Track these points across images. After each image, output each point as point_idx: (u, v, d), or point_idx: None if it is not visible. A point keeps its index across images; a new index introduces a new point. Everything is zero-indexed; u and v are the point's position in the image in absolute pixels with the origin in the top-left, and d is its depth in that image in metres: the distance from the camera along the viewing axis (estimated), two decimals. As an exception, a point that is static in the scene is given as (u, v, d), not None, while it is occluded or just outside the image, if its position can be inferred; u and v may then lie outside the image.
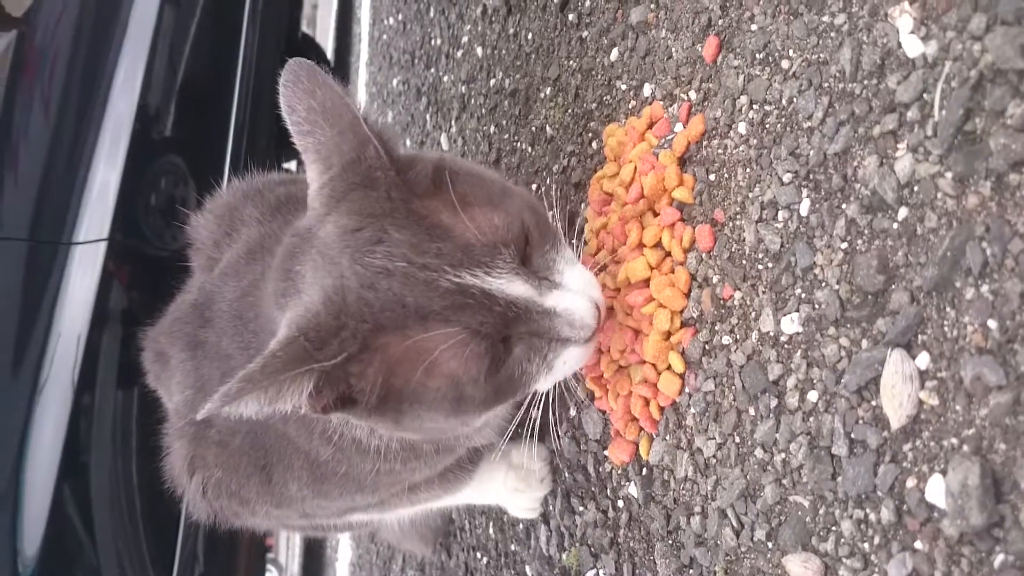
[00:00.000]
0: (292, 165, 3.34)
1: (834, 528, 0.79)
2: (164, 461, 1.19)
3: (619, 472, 1.16)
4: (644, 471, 1.10)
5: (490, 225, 0.87)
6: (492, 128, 1.83)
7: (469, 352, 0.84)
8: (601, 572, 1.19)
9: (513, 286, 0.86)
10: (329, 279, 0.83)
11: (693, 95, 1.08)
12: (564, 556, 1.30)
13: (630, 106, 1.24)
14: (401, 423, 0.89)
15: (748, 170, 0.95)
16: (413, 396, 0.86)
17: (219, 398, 0.73)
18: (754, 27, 0.97)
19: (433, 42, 2.45)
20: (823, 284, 0.83)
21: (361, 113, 0.86)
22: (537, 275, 0.89)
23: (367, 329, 0.82)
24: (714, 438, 0.96)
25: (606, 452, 1.17)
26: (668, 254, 1.07)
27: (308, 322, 0.81)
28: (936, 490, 0.68)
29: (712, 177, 1.01)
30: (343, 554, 3.29)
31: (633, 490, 1.11)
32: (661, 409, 1.06)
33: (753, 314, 0.92)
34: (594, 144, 1.34)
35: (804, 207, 0.86)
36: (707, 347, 0.99)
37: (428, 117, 2.42)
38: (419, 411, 0.87)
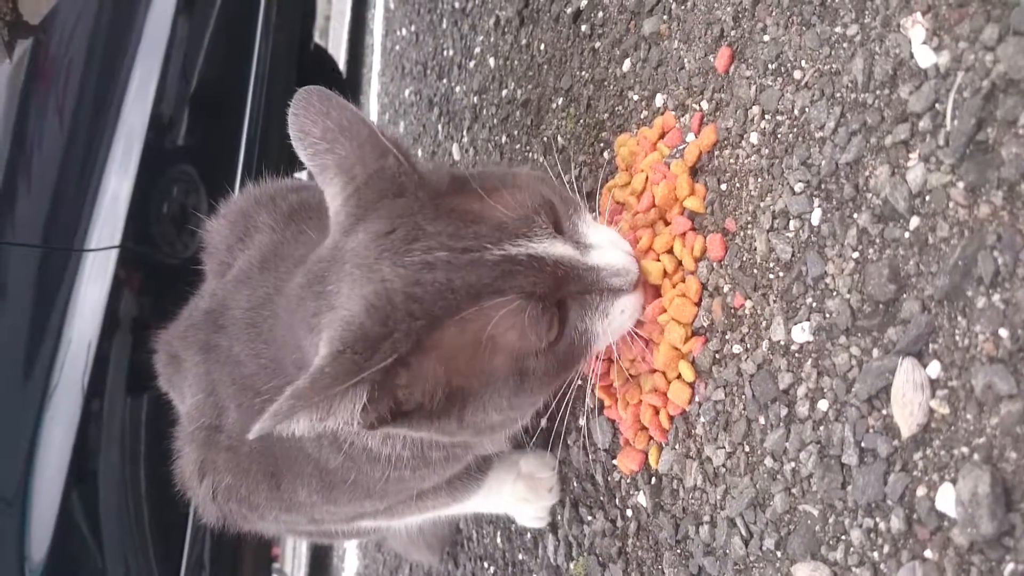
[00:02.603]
0: (303, 175, 3.36)
1: (843, 537, 0.79)
2: (174, 465, 1.19)
3: (628, 481, 1.16)
4: (653, 480, 1.10)
5: (516, 202, 0.90)
6: (504, 138, 1.83)
7: (527, 317, 0.86)
8: (609, 581, 1.19)
9: (555, 247, 0.89)
10: (369, 286, 0.83)
11: (705, 105, 1.08)
12: (572, 566, 1.30)
13: (642, 116, 1.24)
14: (464, 419, 0.90)
15: (760, 180, 0.96)
16: (477, 383, 0.87)
17: (270, 417, 0.72)
18: (766, 38, 0.97)
19: (445, 53, 2.47)
20: (834, 293, 0.83)
21: (376, 127, 0.88)
22: (571, 239, 0.93)
23: (420, 327, 0.82)
24: (724, 447, 0.96)
25: (615, 461, 1.17)
26: (679, 263, 1.07)
27: (352, 334, 0.80)
28: (946, 499, 0.68)
29: (723, 187, 1.02)
30: (349, 564, 3.29)
31: (642, 499, 1.11)
32: (671, 418, 1.06)
33: (764, 323, 0.92)
34: (606, 154, 1.34)
35: (815, 216, 0.87)
36: (717, 356, 0.99)
37: (440, 127, 2.43)
38: (484, 399, 0.89)
